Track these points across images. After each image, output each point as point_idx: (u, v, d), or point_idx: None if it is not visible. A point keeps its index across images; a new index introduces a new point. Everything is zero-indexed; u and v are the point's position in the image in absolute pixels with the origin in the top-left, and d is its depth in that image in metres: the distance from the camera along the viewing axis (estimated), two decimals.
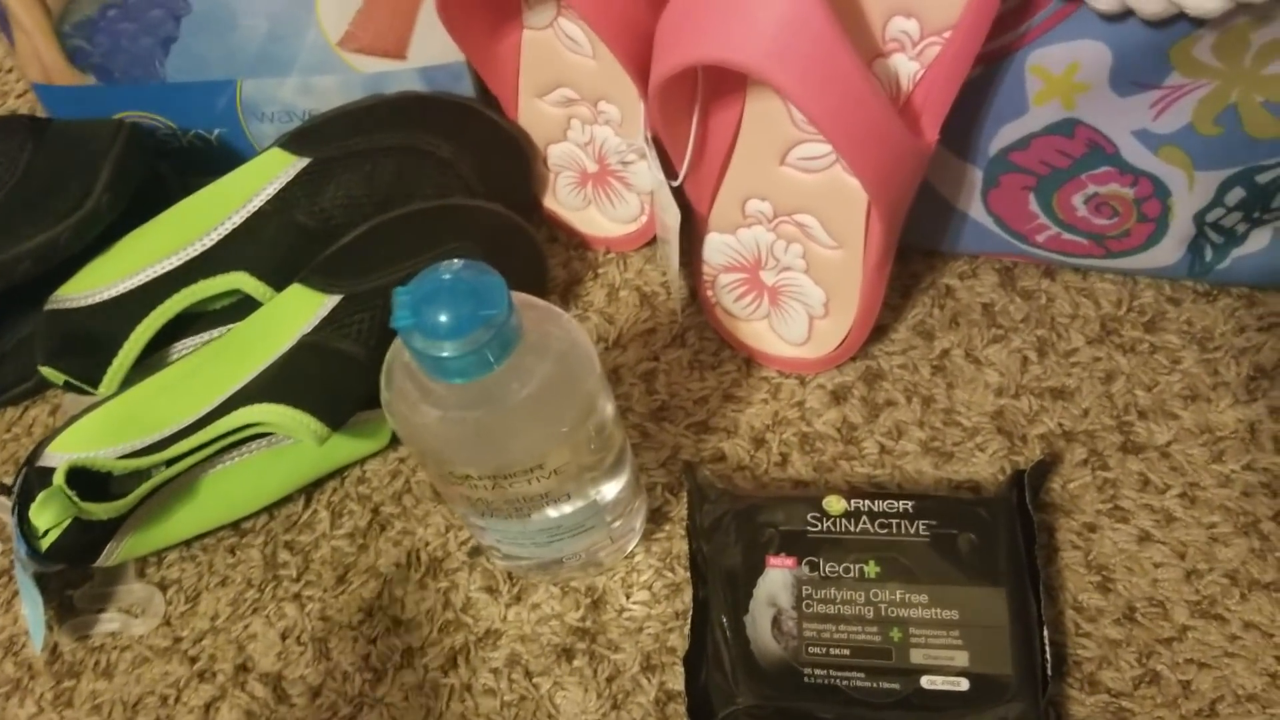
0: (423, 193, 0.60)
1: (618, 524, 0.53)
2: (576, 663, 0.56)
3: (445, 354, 0.38)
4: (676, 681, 0.54)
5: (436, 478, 0.49)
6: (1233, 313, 0.61)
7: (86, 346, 0.59)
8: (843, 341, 0.59)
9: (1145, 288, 0.62)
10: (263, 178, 0.60)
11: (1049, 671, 0.50)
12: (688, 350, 0.63)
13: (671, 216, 0.57)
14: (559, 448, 0.44)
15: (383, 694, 0.56)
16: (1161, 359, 0.60)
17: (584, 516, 0.50)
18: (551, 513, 0.49)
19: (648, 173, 0.58)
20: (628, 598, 0.57)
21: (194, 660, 0.58)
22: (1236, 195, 0.54)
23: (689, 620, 0.54)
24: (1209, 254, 0.58)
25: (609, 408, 0.47)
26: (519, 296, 0.42)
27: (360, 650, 0.57)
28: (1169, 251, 0.58)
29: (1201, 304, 0.61)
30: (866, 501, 0.53)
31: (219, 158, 0.66)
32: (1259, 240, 0.57)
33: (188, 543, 0.61)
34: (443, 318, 0.38)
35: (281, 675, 0.57)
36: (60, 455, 0.55)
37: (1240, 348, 0.60)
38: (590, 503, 0.49)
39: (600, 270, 0.66)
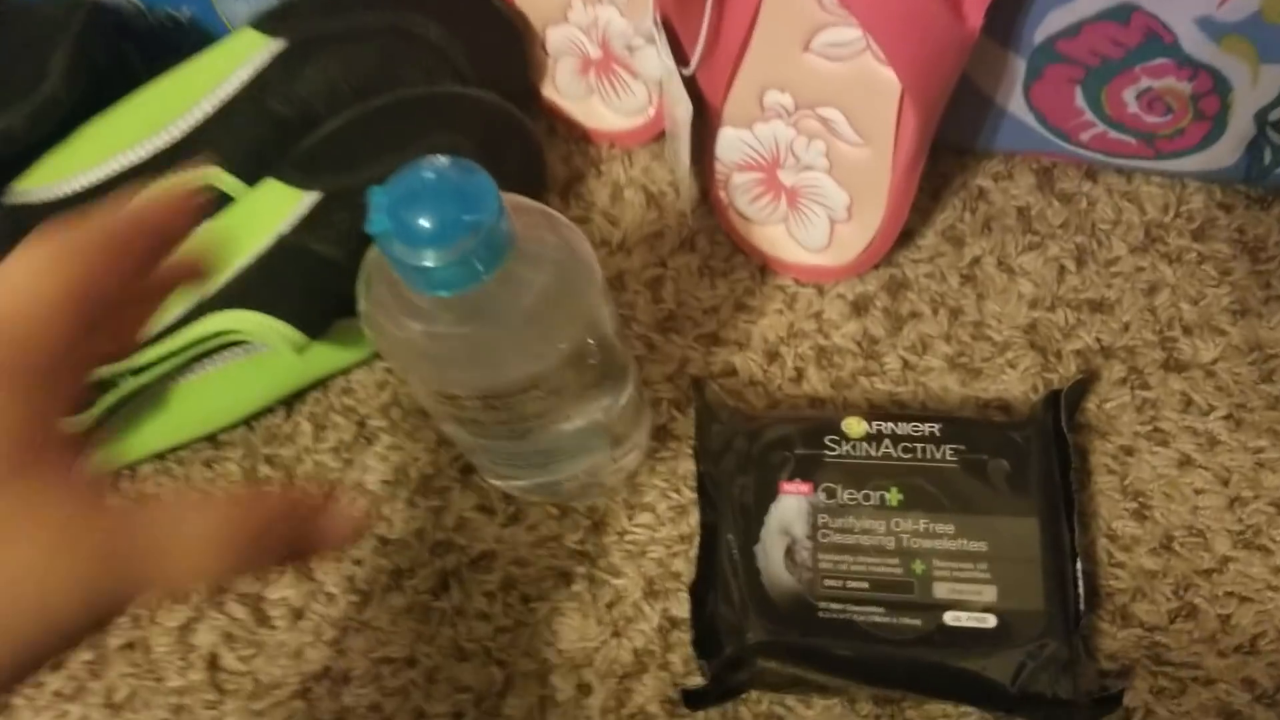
0: (409, 79, 0.55)
1: (621, 445, 0.50)
2: (575, 587, 0.52)
3: (427, 263, 0.34)
4: (680, 608, 0.51)
5: (422, 396, 0.45)
6: None
7: None
8: (866, 248, 0.55)
9: (1194, 192, 0.57)
10: (234, 61, 0.55)
11: (1082, 607, 0.46)
12: (697, 256, 0.58)
13: (682, 109, 0.52)
14: (557, 366, 0.40)
15: (369, 617, 0.53)
16: (1210, 270, 0.56)
17: (585, 437, 0.46)
18: (549, 433, 0.45)
19: (656, 60, 0.53)
20: (630, 520, 0.53)
21: None
22: None
23: (695, 546, 0.50)
24: (1268, 156, 0.53)
25: (611, 321, 0.43)
26: (511, 199, 0.37)
27: (345, 571, 0.54)
28: (1225, 153, 0.53)
29: (1255, 211, 0.57)
30: (889, 424, 0.49)
31: (189, 39, 0.61)
32: None
33: (161, 456, 0.57)
34: (424, 222, 0.34)
35: (262, 596, 0.54)
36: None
37: None
38: (591, 422, 0.46)
39: (603, 167, 0.61)
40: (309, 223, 0.51)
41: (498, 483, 0.53)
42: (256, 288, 0.50)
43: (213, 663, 0.53)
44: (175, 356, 0.51)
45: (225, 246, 0.51)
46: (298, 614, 0.53)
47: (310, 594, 0.54)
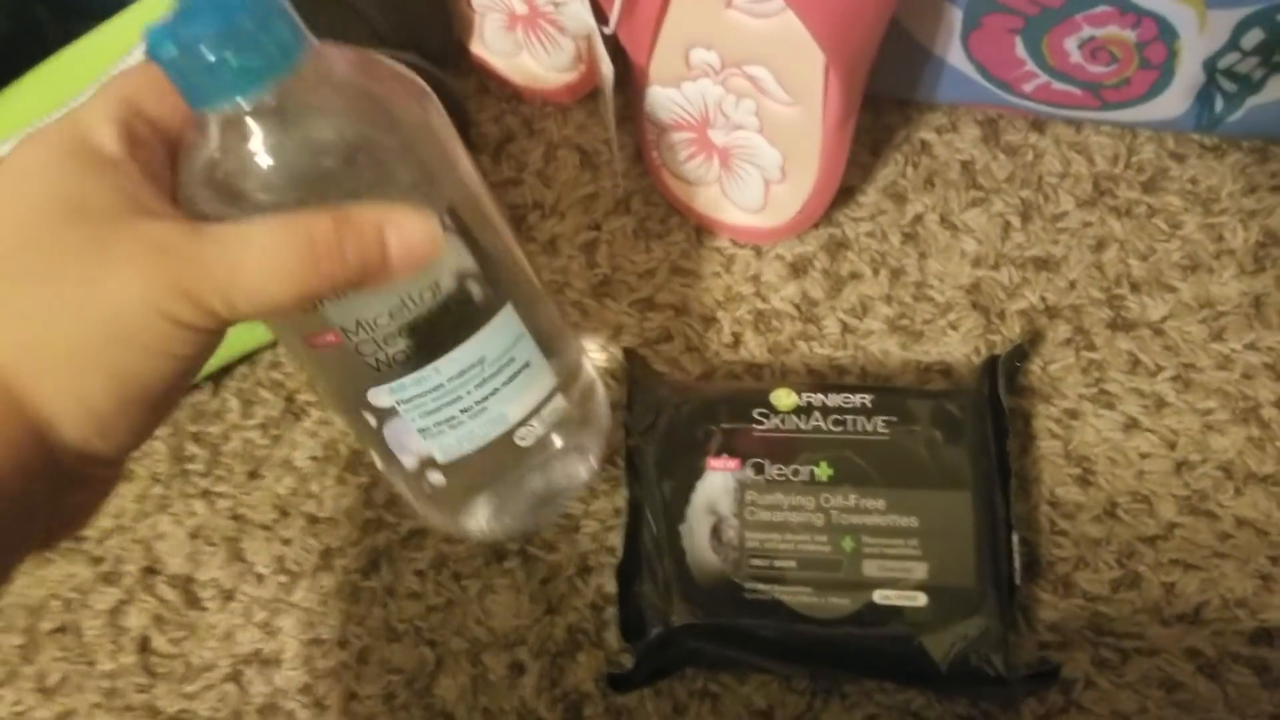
0: (324, 40, 0.53)
1: (570, 378, 0.41)
2: (508, 564, 0.51)
3: (209, 54, 0.30)
4: (614, 584, 0.49)
5: (303, 334, 0.36)
6: (1243, 169, 0.54)
7: None
8: (802, 207, 0.53)
9: (1146, 142, 0.55)
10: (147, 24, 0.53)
11: (1017, 581, 0.45)
12: (632, 218, 0.56)
13: (605, 67, 0.50)
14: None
15: (299, 598, 0.52)
16: (1160, 223, 0.54)
17: (506, 341, 0.38)
18: (463, 341, 0.37)
19: (580, 15, 0.51)
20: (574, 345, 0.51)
21: (98, 561, 0.54)
22: (1255, 38, 0.46)
23: (624, 524, 0.49)
24: (1219, 104, 0.51)
25: (484, 202, 0.38)
26: (362, 54, 0.35)
27: (274, 551, 0.53)
28: (1174, 102, 0.50)
29: (1209, 159, 0.55)
30: (819, 395, 0.47)
31: (103, 2, 0.59)
32: (1278, 87, 0.50)
33: None
34: (195, 20, 0.30)
35: (191, 578, 0.53)
36: None
37: (1249, 210, 0.53)
38: (507, 319, 0.38)
39: (537, 126, 0.59)
40: None
41: (440, 480, 0.41)
42: None
43: (144, 646, 0.52)
44: None
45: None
46: (228, 595, 0.53)
47: (240, 575, 0.53)
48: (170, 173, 0.33)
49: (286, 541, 0.53)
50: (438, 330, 0.36)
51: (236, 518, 0.54)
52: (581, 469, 0.43)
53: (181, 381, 0.32)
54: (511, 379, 0.38)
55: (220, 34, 0.30)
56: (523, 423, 0.39)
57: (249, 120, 0.31)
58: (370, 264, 0.31)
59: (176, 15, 0.30)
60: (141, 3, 0.55)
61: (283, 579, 0.52)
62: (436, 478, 0.40)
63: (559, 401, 0.40)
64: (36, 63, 0.54)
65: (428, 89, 0.36)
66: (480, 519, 0.42)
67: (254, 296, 0.30)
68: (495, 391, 0.38)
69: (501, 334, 0.37)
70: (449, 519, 0.42)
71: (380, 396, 0.37)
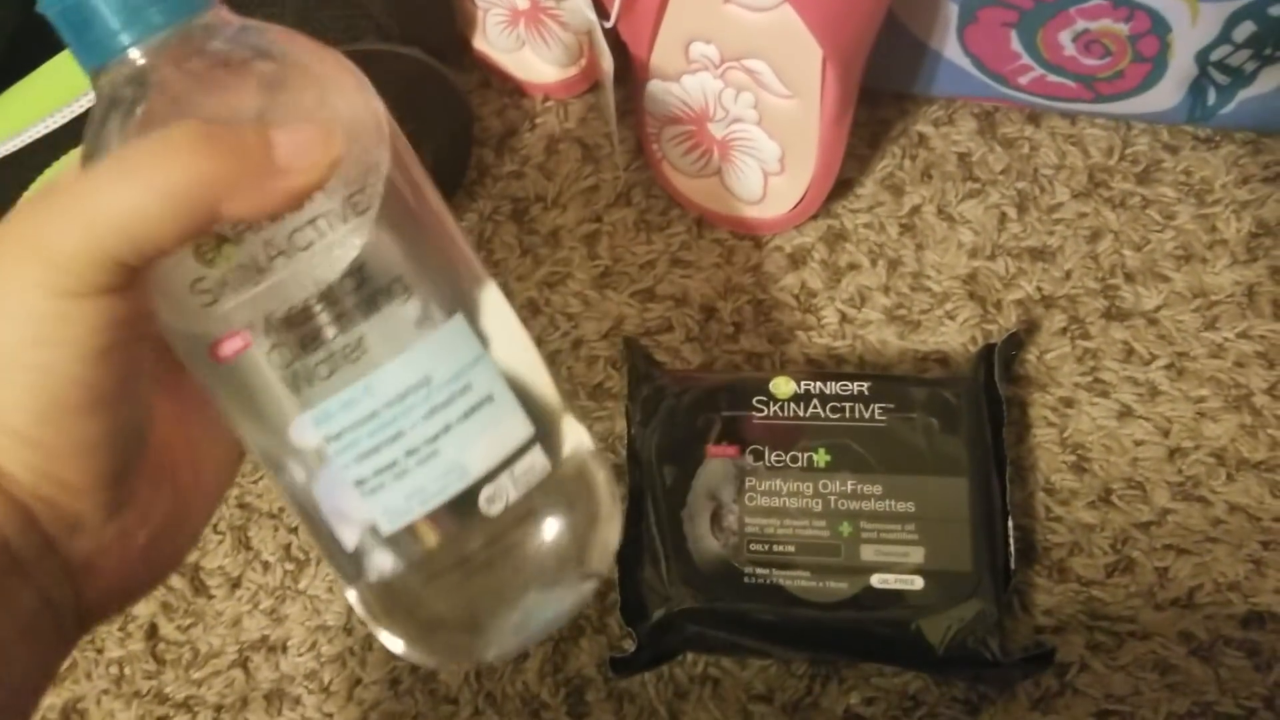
0: (329, 36, 0.53)
1: (558, 452, 0.32)
2: None
3: None
4: (616, 570, 0.50)
5: (208, 343, 0.29)
6: (1236, 161, 0.55)
7: None
8: (801, 199, 0.53)
9: (1140, 134, 0.56)
10: None
11: (1012, 566, 0.46)
12: (633, 210, 0.57)
13: (606, 62, 0.51)
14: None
15: (305, 585, 0.53)
16: (1154, 214, 0.54)
17: (459, 360, 0.30)
18: (390, 340, 0.30)
19: (582, 10, 0.51)
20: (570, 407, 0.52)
21: None
22: (1246, 30, 0.47)
23: (624, 510, 0.49)
24: (1212, 96, 0.51)
25: (428, 204, 0.32)
26: (298, 39, 0.30)
27: (281, 539, 0.53)
28: (1167, 94, 0.51)
29: (1202, 151, 0.55)
30: (818, 383, 0.48)
31: None
32: (1270, 80, 0.50)
33: None
34: None
35: (199, 565, 0.54)
36: None
37: (1242, 201, 0.54)
38: (458, 333, 0.30)
39: (538, 120, 0.60)
40: None
41: (433, 642, 0.32)
42: None
43: (152, 632, 0.53)
44: None
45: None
46: (235, 583, 0.53)
47: (247, 563, 0.53)
48: None
49: (293, 529, 0.53)
50: (364, 340, 0.29)
51: (243, 506, 0.54)
52: (577, 585, 0.32)
53: (100, 374, 0.27)
54: (469, 414, 0.30)
55: None
56: (488, 477, 0.30)
57: (145, 75, 0.28)
58: (250, 157, 0.26)
59: None
60: None
61: (289, 566, 0.53)
62: (384, 561, 0.30)
63: (537, 457, 0.31)
64: (46, 58, 0.55)
65: (364, 80, 0.31)
66: (449, 636, 0.32)
67: (117, 217, 0.25)
68: (448, 429, 0.30)
69: (451, 351, 0.30)
70: (408, 634, 0.32)
71: (304, 432, 0.29)
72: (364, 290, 0.29)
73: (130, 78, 0.28)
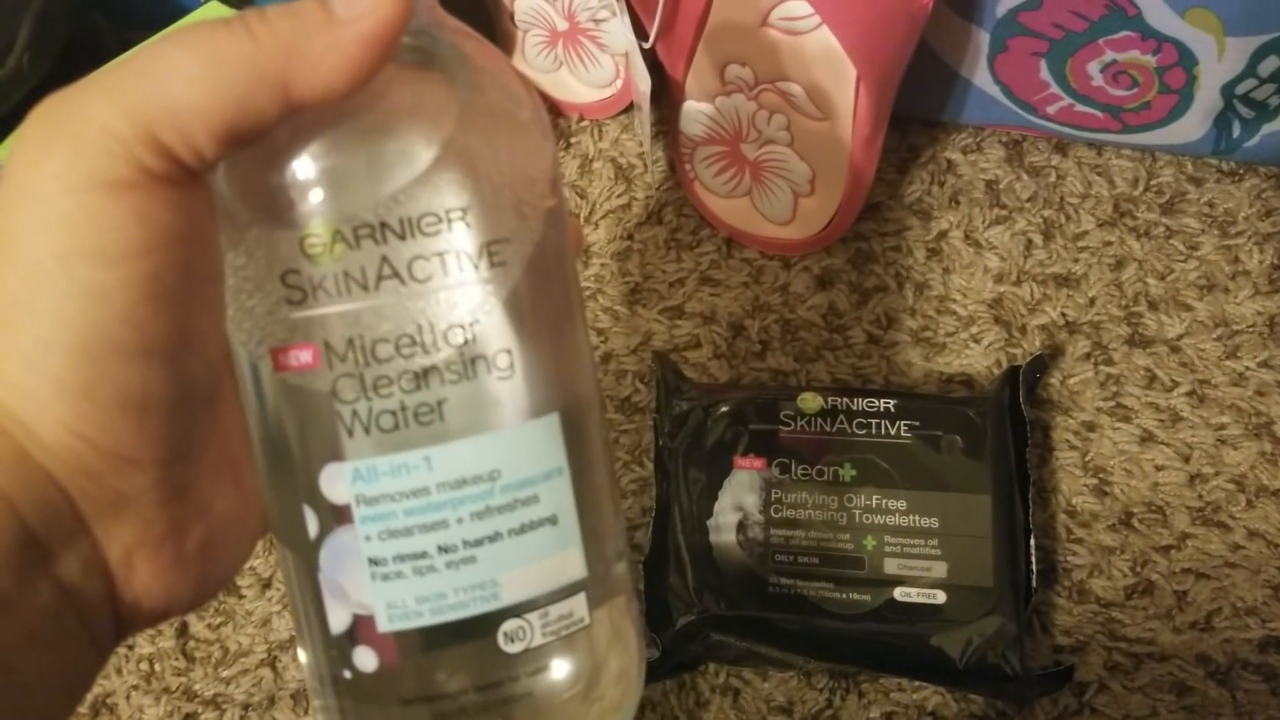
0: None
1: (601, 610, 0.27)
2: None
3: None
4: (641, 581, 0.51)
5: (270, 346, 0.25)
6: (1259, 194, 0.56)
7: None
8: (830, 221, 0.54)
9: (1165, 165, 0.57)
10: None
11: (1034, 584, 0.47)
12: (664, 228, 0.58)
13: (644, 82, 0.52)
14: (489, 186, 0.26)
15: None
16: (1178, 244, 0.55)
17: (536, 465, 0.26)
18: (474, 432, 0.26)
19: (621, 32, 0.53)
20: (628, 561, 0.53)
21: None
22: (1271, 65, 0.48)
23: (652, 520, 0.50)
24: (1237, 129, 0.52)
25: (566, 271, 0.28)
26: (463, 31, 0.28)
27: None
28: (1193, 126, 0.52)
29: (1226, 184, 0.56)
30: (845, 399, 0.49)
31: (159, 10, 0.61)
32: None
33: None
34: None
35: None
36: None
37: (1265, 233, 0.55)
38: (547, 432, 0.26)
39: (573, 139, 0.61)
40: None
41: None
42: None
43: (183, 630, 0.54)
44: None
45: None
46: (265, 584, 0.54)
47: (277, 563, 0.54)
48: None
49: None
50: (445, 406, 0.25)
51: None
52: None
53: (146, 307, 0.22)
54: (524, 530, 0.26)
55: None
56: (517, 611, 0.26)
57: None
58: (302, 12, 0.23)
59: None
60: (187, 19, 0.57)
61: None
62: (365, 659, 0.26)
63: (578, 606, 0.26)
64: (95, 68, 0.56)
65: (549, 131, 0.28)
66: None
67: (156, 84, 0.22)
68: (495, 538, 0.25)
69: (532, 452, 0.26)
70: None
71: (336, 483, 0.25)
72: (466, 350, 0.25)
73: None
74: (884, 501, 0.47)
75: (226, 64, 0.22)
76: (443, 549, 0.25)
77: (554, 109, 0.61)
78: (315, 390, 0.25)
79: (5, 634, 0.22)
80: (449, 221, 0.25)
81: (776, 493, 0.48)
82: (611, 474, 0.29)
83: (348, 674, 0.26)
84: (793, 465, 0.48)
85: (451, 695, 0.26)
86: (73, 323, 0.22)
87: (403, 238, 0.25)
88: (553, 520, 0.26)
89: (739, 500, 0.48)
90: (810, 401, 0.49)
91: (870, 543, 0.47)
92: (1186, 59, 0.49)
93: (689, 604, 0.47)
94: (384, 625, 0.25)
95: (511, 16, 0.59)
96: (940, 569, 0.46)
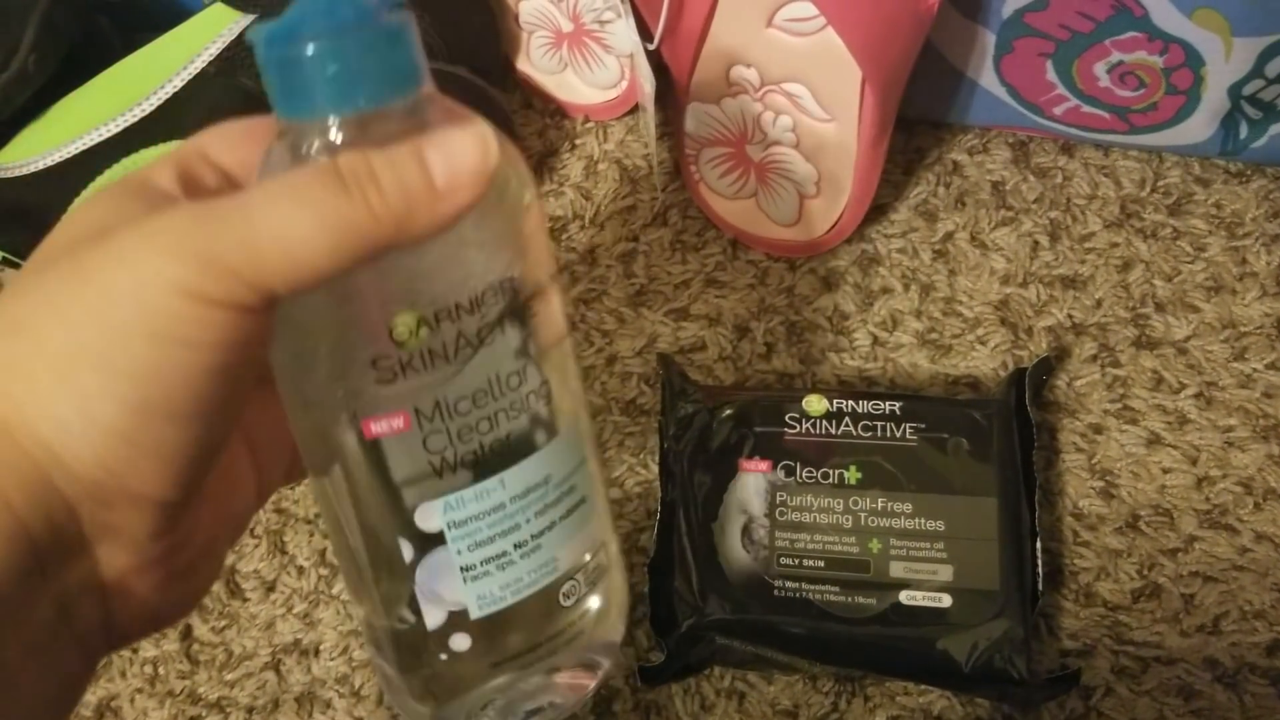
0: None
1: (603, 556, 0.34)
2: None
3: (309, 50, 0.27)
4: (646, 584, 0.51)
5: (360, 414, 0.30)
6: (1266, 195, 0.55)
7: (22, 219, 0.55)
8: (836, 223, 0.54)
9: (1172, 166, 0.56)
10: (204, 36, 0.55)
11: (1040, 587, 0.46)
12: (669, 230, 0.58)
13: (649, 84, 0.52)
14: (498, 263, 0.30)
15: (338, 590, 0.53)
16: (1185, 246, 0.55)
17: (571, 464, 0.32)
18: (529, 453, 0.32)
19: (625, 34, 0.53)
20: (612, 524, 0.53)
21: None
22: (1279, 66, 0.48)
23: (657, 523, 0.50)
24: (1244, 130, 0.52)
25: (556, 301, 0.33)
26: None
27: (316, 545, 0.54)
28: (1200, 127, 0.52)
29: (1233, 185, 0.56)
30: (850, 401, 0.49)
31: (165, 13, 0.61)
32: None
33: None
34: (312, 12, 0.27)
35: (234, 569, 0.55)
36: None
37: (1272, 234, 0.55)
38: (573, 438, 0.33)
39: (578, 141, 0.61)
40: (238, 48, 0.52)
41: (460, 644, 0.32)
42: (179, 119, 0.51)
43: (187, 633, 0.54)
44: None
45: (150, 68, 0.53)
46: (269, 587, 0.54)
47: (281, 567, 0.54)
48: None
49: (328, 535, 0.54)
50: (510, 436, 0.31)
51: (280, 511, 0.55)
52: (586, 683, 0.35)
53: (208, 386, 0.25)
54: (569, 513, 0.32)
55: (335, 44, 0.27)
56: (570, 575, 0.32)
57: (336, 140, 0.28)
58: (412, 189, 0.25)
59: (292, 18, 0.28)
60: (197, 17, 0.57)
61: (323, 571, 0.54)
62: (460, 642, 0.32)
63: (603, 556, 0.34)
64: (100, 70, 0.57)
65: (530, 178, 0.32)
66: (482, 714, 0.33)
67: (280, 240, 0.24)
68: (552, 525, 0.32)
69: (568, 454, 0.32)
70: (443, 709, 0.33)
71: (431, 515, 0.30)
72: (521, 390, 0.30)
73: (320, 138, 0.28)
74: (889, 504, 0.47)
75: (345, 233, 0.25)
76: (517, 545, 0.31)
77: (560, 110, 0.61)
78: (406, 448, 0.29)
79: (9, 644, 0.24)
80: (501, 291, 0.29)
81: (782, 495, 0.48)
82: (596, 447, 0.35)
83: (444, 656, 0.31)
84: (798, 468, 0.48)
85: (528, 651, 0.32)
86: (142, 384, 0.25)
87: (471, 313, 0.29)
88: (584, 500, 0.32)
89: (744, 503, 0.48)
90: (815, 404, 0.49)
91: (875, 546, 0.46)
92: (1193, 60, 0.48)
93: (694, 607, 0.47)
94: (475, 614, 0.31)
95: (516, 18, 0.59)
96: (946, 572, 0.46)
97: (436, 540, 0.30)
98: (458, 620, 0.31)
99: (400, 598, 0.31)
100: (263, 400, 0.30)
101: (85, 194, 0.54)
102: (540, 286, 0.31)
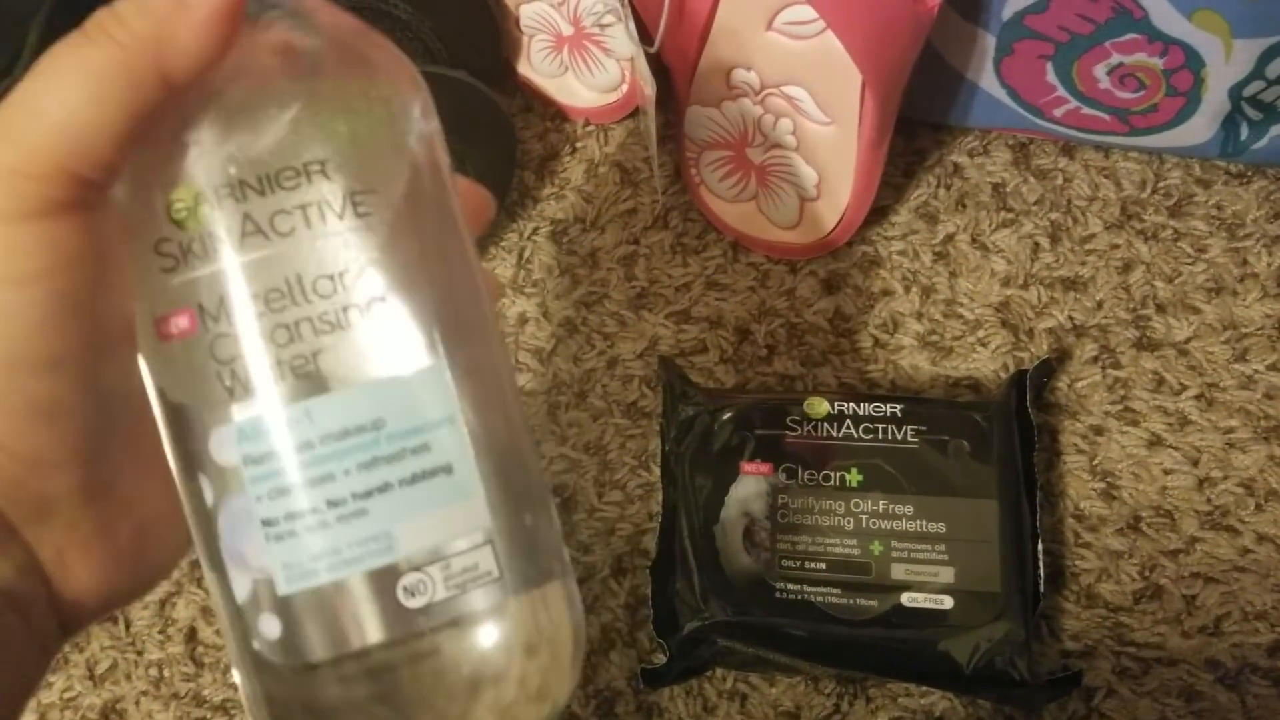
0: None
1: (521, 562, 0.26)
2: None
3: None
4: (648, 586, 0.51)
5: (155, 316, 0.26)
6: (1267, 196, 0.55)
7: None
8: (837, 225, 0.54)
9: (1172, 168, 0.57)
10: None
11: (1041, 588, 0.46)
12: (670, 233, 0.58)
13: (648, 87, 0.52)
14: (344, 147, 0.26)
15: None
16: (1185, 247, 0.55)
17: (423, 414, 0.26)
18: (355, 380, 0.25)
19: (626, 37, 0.53)
20: (600, 498, 0.53)
21: None
22: (1279, 67, 0.48)
23: (658, 526, 0.50)
24: (1244, 132, 0.52)
25: (450, 229, 0.28)
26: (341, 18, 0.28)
27: None
28: (1200, 129, 0.52)
29: (1234, 186, 0.56)
30: (851, 404, 0.49)
31: None
32: None
33: None
34: None
35: None
36: None
37: (1273, 235, 0.55)
38: (435, 381, 0.26)
39: (579, 144, 0.61)
40: None
41: (270, 634, 0.26)
42: None
43: (191, 636, 0.54)
44: None
45: None
46: None
47: None
48: None
49: None
50: (322, 355, 0.25)
51: None
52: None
53: (57, 323, 0.24)
54: (416, 479, 0.25)
55: None
56: (416, 564, 0.25)
57: None
58: (154, 6, 0.23)
59: None
60: None
61: None
62: (270, 626, 0.25)
63: (485, 558, 0.26)
64: None
65: (421, 83, 0.29)
66: None
67: (49, 113, 0.23)
68: (385, 488, 0.25)
69: (418, 399, 0.26)
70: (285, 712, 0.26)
71: (224, 445, 0.25)
72: (336, 300, 0.25)
73: None
74: (891, 506, 0.47)
75: (103, 77, 0.23)
76: (331, 503, 0.25)
77: (560, 113, 0.62)
78: (196, 355, 0.25)
79: None
80: (307, 175, 0.25)
81: (783, 498, 0.48)
82: (527, 431, 0.28)
83: (256, 644, 0.26)
84: (799, 470, 0.48)
85: (355, 656, 0.25)
86: None
87: (262, 194, 0.25)
88: (447, 469, 0.26)
89: (746, 506, 0.48)
90: (817, 406, 0.49)
91: (877, 548, 0.47)
92: (1194, 61, 0.48)
93: (696, 609, 0.47)
94: (283, 588, 0.25)
95: (517, 21, 0.59)
96: (947, 574, 0.46)
97: (234, 480, 0.25)
98: (264, 594, 0.25)
99: (213, 557, 0.26)
100: None
101: None
102: (386, 182, 0.26)
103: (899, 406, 0.49)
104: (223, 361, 0.25)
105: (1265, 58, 0.48)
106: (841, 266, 0.57)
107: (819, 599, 0.46)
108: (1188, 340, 0.53)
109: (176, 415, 0.26)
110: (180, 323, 0.25)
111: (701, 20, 0.49)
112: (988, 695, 0.46)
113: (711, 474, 0.49)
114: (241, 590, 0.25)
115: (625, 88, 0.59)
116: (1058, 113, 0.53)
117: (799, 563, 0.47)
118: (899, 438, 0.48)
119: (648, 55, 0.51)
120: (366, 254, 0.25)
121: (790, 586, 0.46)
